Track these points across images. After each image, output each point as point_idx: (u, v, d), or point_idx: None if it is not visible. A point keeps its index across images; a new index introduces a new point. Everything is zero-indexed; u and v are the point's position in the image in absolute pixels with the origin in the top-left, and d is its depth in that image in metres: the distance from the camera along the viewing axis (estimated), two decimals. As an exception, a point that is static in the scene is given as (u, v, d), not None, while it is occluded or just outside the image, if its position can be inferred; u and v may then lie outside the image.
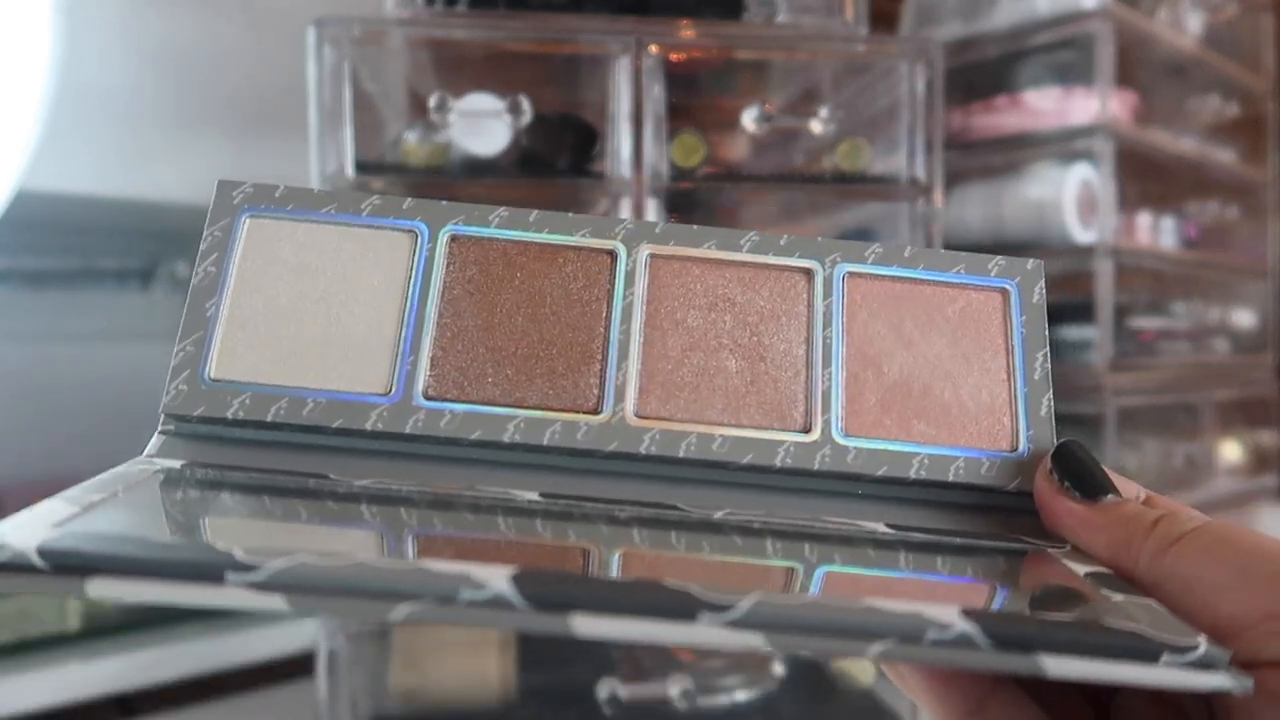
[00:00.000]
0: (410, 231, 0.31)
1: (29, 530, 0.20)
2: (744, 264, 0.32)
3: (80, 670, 0.77)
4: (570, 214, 0.32)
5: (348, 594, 0.20)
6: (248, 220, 0.31)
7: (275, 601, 0.20)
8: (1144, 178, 1.08)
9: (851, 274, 0.32)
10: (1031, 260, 0.32)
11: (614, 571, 0.24)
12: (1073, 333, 1.00)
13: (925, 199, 0.82)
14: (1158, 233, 1.11)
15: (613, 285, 0.31)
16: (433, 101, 0.75)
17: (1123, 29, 0.99)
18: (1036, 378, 0.31)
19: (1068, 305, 1.03)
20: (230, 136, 0.97)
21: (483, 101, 0.76)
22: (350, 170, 0.75)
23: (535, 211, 0.31)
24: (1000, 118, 1.04)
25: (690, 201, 0.82)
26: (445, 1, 0.77)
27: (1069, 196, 0.98)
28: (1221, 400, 1.22)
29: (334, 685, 0.72)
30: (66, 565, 0.20)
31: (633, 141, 0.77)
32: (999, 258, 0.32)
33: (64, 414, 0.92)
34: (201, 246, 0.30)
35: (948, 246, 0.89)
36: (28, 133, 0.82)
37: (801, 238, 0.32)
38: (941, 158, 0.82)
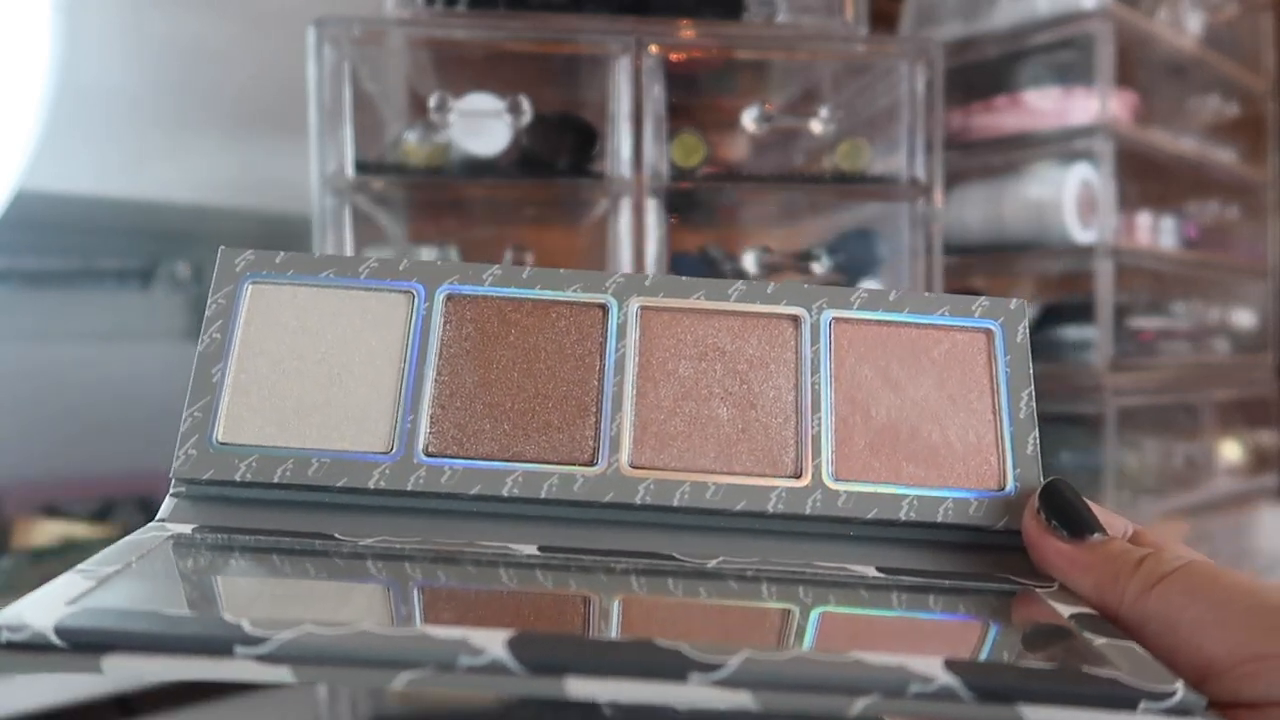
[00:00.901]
0: (407, 292, 0.32)
1: (46, 609, 0.21)
2: (732, 313, 0.32)
3: (80, 670, 0.77)
4: (562, 270, 0.32)
5: (351, 664, 0.20)
6: (250, 287, 0.32)
7: (281, 673, 0.20)
8: (1144, 178, 1.08)
9: (838, 319, 0.32)
10: (1014, 300, 0.33)
11: (615, 619, 0.25)
12: (1073, 333, 1.00)
13: (925, 199, 0.82)
14: (1158, 233, 1.11)
15: (605, 338, 0.32)
16: (433, 101, 0.75)
17: (1123, 29, 0.99)
18: (1022, 417, 0.32)
19: (1068, 305, 1.03)
20: (230, 136, 0.97)
21: (483, 101, 0.76)
22: (350, 170, 0.75)
23: (528, 268, 0.32)
24: (1000, 118, 1.04)
25: (690, 201, 0.82)
26: (445, 1, 0.77)
27: (1069, 196, 0.98)
28: (1221, 400, 1.22)
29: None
30: (83, 644, 0.20)
31: (633, 141, 0.77)
32: (982, 298, 0.33)
33: (64, 414, 0.92)
34: (206, 314, 0.31)
35: (948, 246, 0.89)
36: (28, 133, 0.82)
37: (788, 284, 0.33)
38: (941, 158, 0.82)
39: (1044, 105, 1.01)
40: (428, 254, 0.78)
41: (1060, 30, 1.00)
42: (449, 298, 0.32)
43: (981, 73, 1.06)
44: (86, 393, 0.93)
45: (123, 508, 0.96)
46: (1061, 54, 1.02)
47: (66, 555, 0.85)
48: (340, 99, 0.74)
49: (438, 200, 0.84)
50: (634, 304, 0.32)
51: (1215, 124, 1.26)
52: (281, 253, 0.32)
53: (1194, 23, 1.15)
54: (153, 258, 1.01)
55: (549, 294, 0.32)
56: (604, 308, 0.32)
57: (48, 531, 0.87)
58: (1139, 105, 1.06)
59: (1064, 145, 1.00)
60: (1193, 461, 1.18)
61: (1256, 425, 1.30)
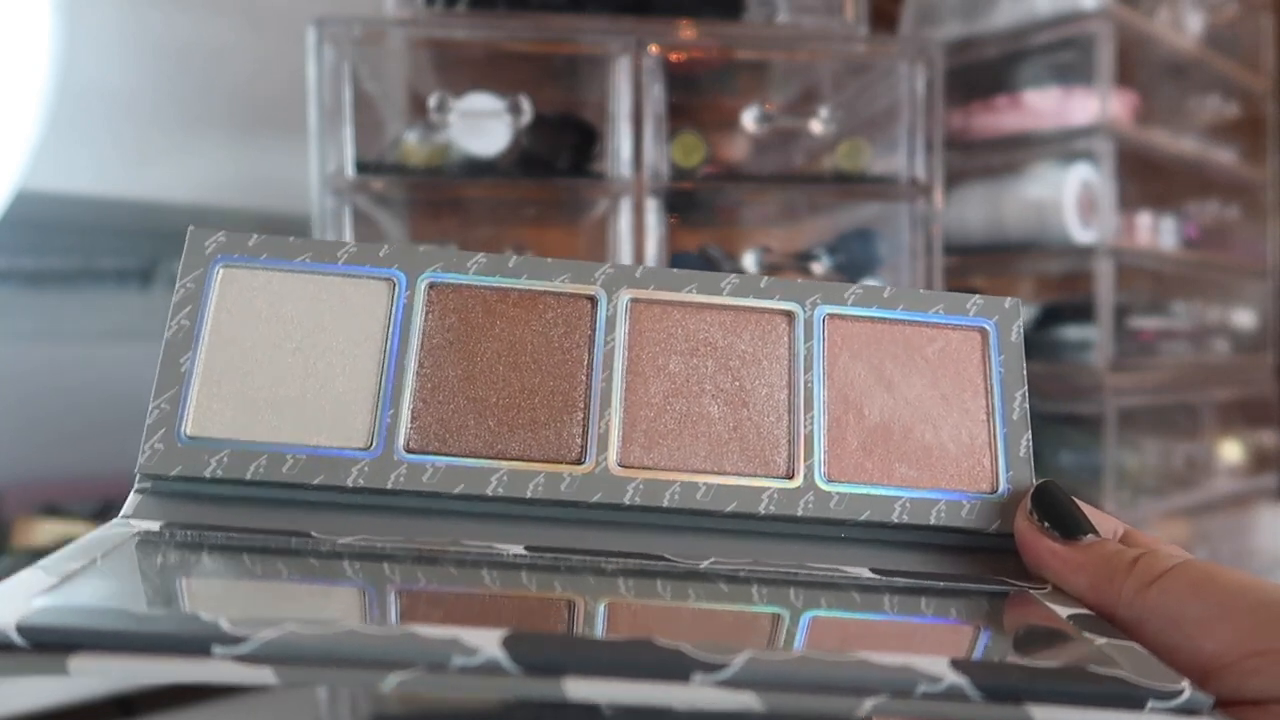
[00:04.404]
0: (387, 280, 0.31)
1: (8, 606, 0.20)
2: (725, 307, 0.32)
3: (80, 670, 0.77)
4: (549, 259, 0.31)
5: (337, 664, 0.19)
6: (221, 270, 0.30)
7: (264, 675, 0.19)
8: (1144, 178, 1.08)
9: (832, 316, 0.32)
10: (1009, 299, 0.32)
11: (600, 624, 0.25)
12: (1073, 333, 1.00)
13: (925, 199, 0.82)
14: (1158, 233, 1.11)
15: (594, 331, 0.31)
16: (433, 101, 0.75)
17: (1123, 29, 0.99)
18: (1015, 418, 0.31)
19: (1068, 305, 1.03)
20: (230, 136, 0.97)
21: (483, 101, 0.76)
22: (350, 170, 0.75)
23: (514, 256, 0.31)
24: (1000, 118, 1.04)
25: (690, 201, 0.82)
26: (445, 1, 0.77)
27: (1069, 196, 0.98)
28: (1221, 400, 1.22)
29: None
30: (47, 642, 0.19)
31: (633, 141, 0.77)
32: (977, 296, 0.32)
33: (64, 414, 0.92)
34: (174, 299, 0.30)
35: (948, 246, 0.89)
36: (28, 132, 0.82)
37: (782, 280, 0.32)
38: (941, 158, 0.82)
39: (1044, 105, 1.01)
40: (428, 254, 0.78)
41: (1060, 30, 1.00)
42: (431, 286, 0.31)
43: (981, 73, 1.06)
44: (86, 393, 0.93)
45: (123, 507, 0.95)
46: (1061, 54, 1.02)
47: (66, 555, 0.85)
48: (340, 99, 0.74)
49: (438, 200, 0.84)
50: (624, 296, 0.31)
51: (1215, 124, 1.26)
52: (255, 235, 0.30)
53: (1194, 23, 1.15)
54: (153, 258, 1.02)
55: (536, 284, 0.31)
56: (593, 299, 0.31)
57: (48, 531, 0.87)
58: (1139, 105, 1.06)
59: (1064, 145, 1.00)
60: (1193, 461, 1.18)
61: (1256, 425, 1.30)
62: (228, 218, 1.01)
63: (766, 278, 0.32)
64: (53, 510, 0.92)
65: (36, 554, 0.86)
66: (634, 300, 0.31)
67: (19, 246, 0.93)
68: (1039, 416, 1.05)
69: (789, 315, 0.32)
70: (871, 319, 0.32)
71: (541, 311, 0.31)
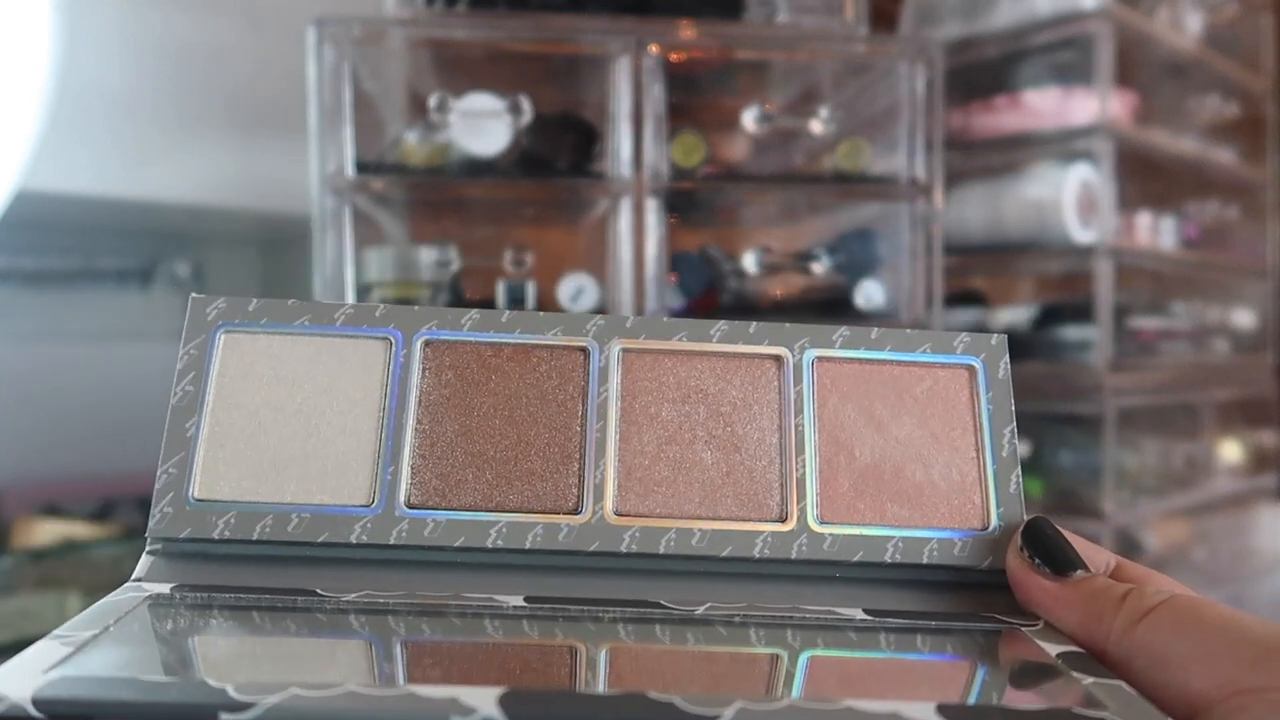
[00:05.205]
0: (384, 339, 0.31)
1: (23, 678, 0.20)
2: (715, 354, 0.32)
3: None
4: (541, 313, 0.32)
5: None
6: (223, 336, 0.31)
7: None
8: (1144, 178, 1.08)
9: (820, 358, 0.32)
10: (995, 335, 0.33)
11: (602, 670, 0.25)
12: (1073, 333, 1.00)
13: (925, 199, 0.82)
14: (1157, 233, 1.11)
15: (587, 382, 0.31)
16: (433, 101, 0.75)
17: (1123, 29, 0.99)
18: (1004, 455, 0.31)
19: (1068, 305, 1.03)
20: (230, 136, 0.97)
21: (483, 101, 0.76)
22: (350, 170, 0.75)
23: (506, 312, 0.32)
24: (1000, 118, 1.04)
25: (690, 201, 0.82)
26: (445, 1, 0.77)
27: (1069, 196, 0.98)
28: (1221, 400, 1.22)
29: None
30: (62, 714, 0.20)
31: (633, 141, 0.77)
32: (964, 335, 0.33)
33: (64, 414, 0.92)
34: (178, 365, 0.30)
35: (948, 247, 0.89)
36: (28, 133, 0.82)
37: (770, 325, 0.32)
38: (941, 158, 0.82)
39: (1044, 105, 1.01)
40: (428, 254, 0.78)
41: (1060, 30, 1.00)
42: (427, 343, 0.31)
43: (981, 73, 1.06)
44: (86, 393, 0.93)
45: (123, 508, 0.96)
46: (1061, 54, 1.02)
47: (66, 555, 0.85)
48: (340, 99, 0.74)
49: (438, 200, 0.84)
50: (615, 346, 0.32)
51: (1215, 124, 1.26)
52: (254, 300, 0.31)
53: (1194, 23, 1.15)
54: (152, 258, 1.02)
55: (529, 338, 0.32)
56: (585, 351, 0.32)
57: (48, 531, 0.87)
58: (1139, 105, 1.06)
59: (1064, 145, 1.00)
60: (1193, 461, 1.18)
61: (1256, 425, 1.30)
62: (227, 218, 1.01)
63: (754, 323, 0.32)
64: (53, 510, 0.92)
65: (37, 554, 0.86)
66: (625, 350, 0.32)
67: (19, 246, 0.93)
68: (1039, 417, 1.05)
69: (778, 359, 0.32)
70: (860, 360, 0.32)
71: (535, 365, 0.32)
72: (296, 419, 0.30)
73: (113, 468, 0.93)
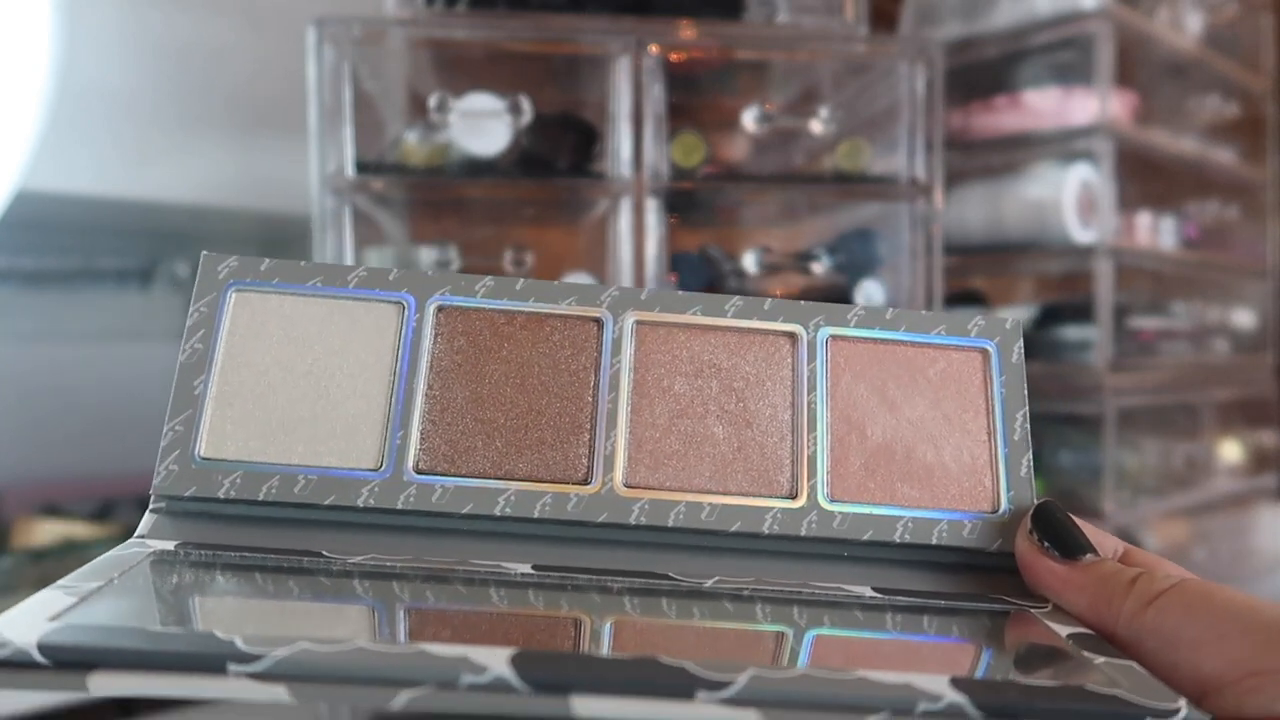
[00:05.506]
0: (397, 303, 0.31)
1: (28, 625, 0.20)
2: (729, 329, 0.32)
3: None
4: (556, 282, 0.32)
5: (349, 681, 0.20)
6: (234, 294, 0.31)
7: (277, 692, 0.20)
8: (1144, 178, 1.08)
9: (834, 337, 0.32)
10: (1010, 319, 0.33)
11: (606, 641, 0.25)
12: (1073, 333, 1.00)
13: (925, 199, 0.82)
14: (1157, 233, 1.11)
15: (600, 353, 0.31)
16: (433, 101, 0.75)
17: (1123, 29, 0.99)
18: (1016, 438, 0.31)
19: (1068, 305, 1.03)
20: (230, 136, 0.97)
21: (483, 101, 0.76)
22: (350, 170, 0.75)
23: (521, 280, 0.31)
24: (1000, 118, 1.04)
25: (690, 201, 0.82)
26: (445, 1, 0.77)
27: (1069, 196, 0.98)
28: (1221, 400, 1.22)
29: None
30: (67, 661, 0.20)
31: (633, 141, 0.77)
32: (979, 318, 0.32)
33: (64, 414, 0.92)
34: (188, 322, 0.30)
35: (948, 246, 0.89)
36: (28, 133, 0.82)
37: (785, 301, 0.32)
38: (941, 158, 0.82)
39: (1044, 105, 1.01)
40: (428, 253, 0.78)
41: (1060, 30, 1.00)
42: (440, 309, 0.31)
43: (981, 73, 1.06)
44: (86, 393, 0.93)
45: (123, 508, 0.96)
46: (1061, 54, 1.02)
47: (66, 555, 0.85)
48: (340, 99, 0.74)
49: (438, 200, 0.84)
50: (629, 318, 0.32)
51: (1215, 124, 1.26)
52: (267, 260, 0.31)
53: (1194, 23, 1.15)
54: (152, 258, 1.02)
55: (543, 307, 0.31)
56: (599, 321, 0.32)
57: (48, 531, 0.87)
58: (1139, 105, 1.06)
59: (1064, 145, 1.00)
60: (1193, 461, 1.18)
61: (1256, 425, 1.30)
62: (227, 218, 1.01)
63: (770, 299, 0.32)
64: (53, 510, 0.92)
65: (37, 554, 0.86)
66: (639, 322, 0.32)
67: (19, 246, 0.93)
68: (1039, 417, 1.05)
69: (792, 336, 0.32)
70: (874, 340, 0.32)
71: (548, 334, 0.31)
72: (306, 380, 0.30)
73: (113, 468, 0.93)
